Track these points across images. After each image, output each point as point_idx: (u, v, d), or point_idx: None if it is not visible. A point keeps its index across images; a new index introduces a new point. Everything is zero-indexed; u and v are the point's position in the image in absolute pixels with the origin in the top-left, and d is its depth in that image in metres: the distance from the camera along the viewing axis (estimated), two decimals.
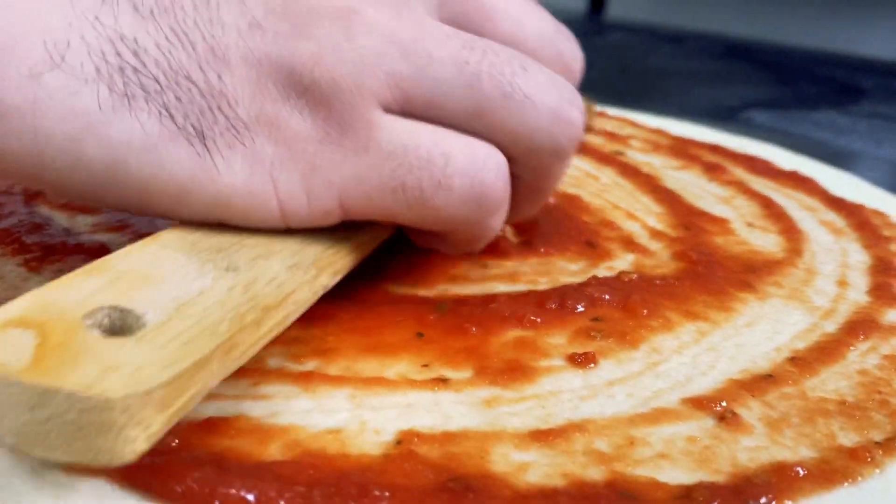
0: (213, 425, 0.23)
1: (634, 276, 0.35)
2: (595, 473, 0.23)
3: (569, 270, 0.36)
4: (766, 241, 0.42)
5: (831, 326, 0.33)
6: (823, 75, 0.95)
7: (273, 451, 0.23)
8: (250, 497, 0.20)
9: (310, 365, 0.27)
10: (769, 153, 0.57)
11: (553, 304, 0.32)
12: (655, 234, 0.41)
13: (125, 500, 0.21)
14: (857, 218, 0.46)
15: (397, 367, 0.28)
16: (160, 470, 0.21)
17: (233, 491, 0.20)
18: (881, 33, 1.18)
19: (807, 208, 0.47)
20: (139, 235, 0.35)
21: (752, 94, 0.83)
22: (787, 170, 0.53)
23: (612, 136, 0.59)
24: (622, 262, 0.38)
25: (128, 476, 0.21)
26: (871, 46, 1.14)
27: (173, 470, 0.21)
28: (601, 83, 0.88)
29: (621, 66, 0.94)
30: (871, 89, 0.88)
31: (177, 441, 0.22)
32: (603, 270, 0.36)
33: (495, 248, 0.37)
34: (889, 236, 0.43)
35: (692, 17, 1.28)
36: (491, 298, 0.32)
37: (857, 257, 0.40)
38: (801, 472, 0.24)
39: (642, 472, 0.23)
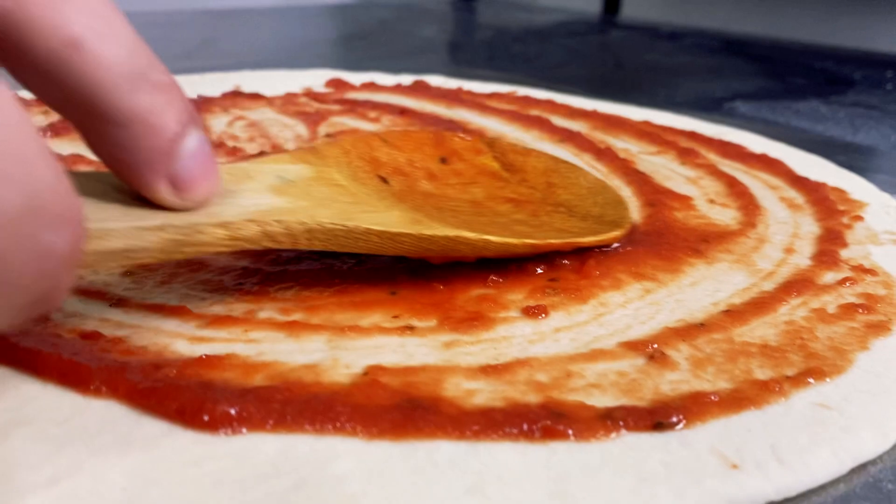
0: (206, 361, 0.27)
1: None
2: (532, 398, 0.27)
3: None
4: (724, 216, 0.45)
5: (769, 286, 0.36)
6: (815, 68, 0.98)
7: (256, 381, 0.27)
8: (232, 411, 0.24)
9: (295, 316, 0.31)
10: (744, 139, 0.60)
11: (515, 267, 0.36)
12: None
13: (130, 416, 0.25)
14: (817, 195, 0.49)
15: (371, 318, 0.31)
16: (159, 392, 0.25)
17: (218, 406, 0.24)
18: (880, 26, 1.20)
19: (770, 187, 0.51)
20: None
21: (741, 86, 0.86)
22: (757, 153, 0.56)
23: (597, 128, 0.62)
24: None
25: (133, 398, 0.25)
26: (870, 39, 1.16)
27: (170, 392, 0.25)
28: (595, 78, 0.92)
29: (616, 62, 0.98)
30: (860, 80, 0.91)
31: (175, 371, 0.26)
32: None
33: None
34: (844, 210, 0.47)
35: (706, 16, 1.31)
36: (460, 263, 0.36)
37: (809, 229, 0.44)
38: (714, 399, 0.27)
39: (574, 397, 0.27)
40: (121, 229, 0.25)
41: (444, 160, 0.41)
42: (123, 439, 0.24)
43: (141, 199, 0.26)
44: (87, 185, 0.26)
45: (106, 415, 0.25)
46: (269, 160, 0.33)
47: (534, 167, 0.43)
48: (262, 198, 0.30)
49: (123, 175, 0.26)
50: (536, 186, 0.42)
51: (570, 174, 0.43)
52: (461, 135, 0.43)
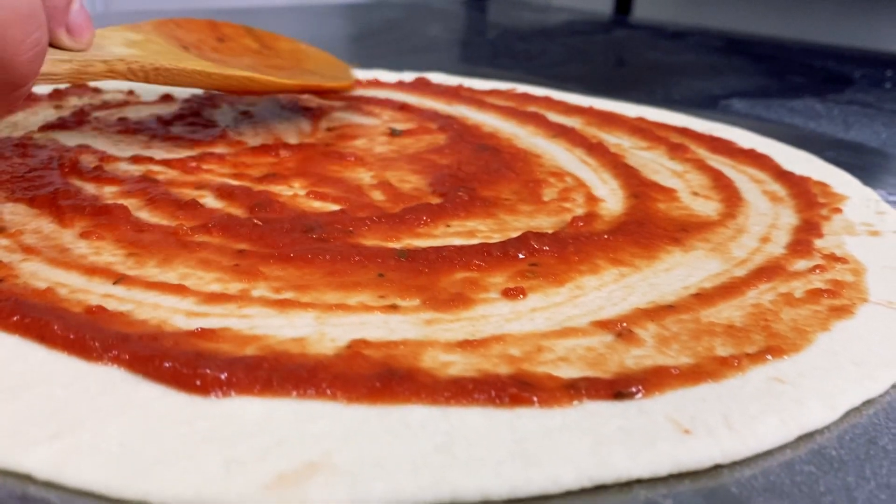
0: (201, 334, 0.29)
1: (574, 230, 0.40)
2: (503, 370, 0.28)
3: (521, 229, 0.42)
4: (706, 207, 0.47)
5: (741, 272, 0.38)
6: (815, 66, 0.99)
7: (247, 351, 0.29)
8: (222, 376, 0.26)
9: (286, 295, 0.33)
10: (734, 135, 0.62)
11: (497, 253, 0.38)
12: (606, 201, 0.47)
13: (129, 381, 0.27)
14: (799, 188, 0.50)
15: (358, 298, 0.33)
16: (156, 359, 0.27)
17: (208, 371, 0.26)
18: (882, 25, 1.21)
19: (755, 181, 0.52)
20: (153, 200, 0.42)
21: (739, 84, 0.88)
22: (745, 148, 0.58)
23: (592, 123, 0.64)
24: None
25: (132, 364, 0.27)
26: (872, 38, 1.17)
27: (166, 359, 0.27)
28: (595, 76, 0.94)
29: (618, 60, 0.99)
30: (859, 79, 0.92)
31: (172, 342, 0.28)
32: (549, 229, 0.42)
33: (458, 211, 0.43)
34: (824, 203, 0.48)
35: (716, 16, 1.32)
36: (445, 248, 0.38)
37: (788, 220, 0.45)
38: (674, 372, 0.29)
39: (542, 369, 0.29)
40: (47, 58, 0.37)
41: (220, 40, 0.56)
42: (122, 401, 0.26)
43: (53, 47, 0.39)
44: None
45: (107, 379, 0.27)
46: (111, 29, 0.46)
47: (284, 47, 0.61)
48: (121, 49, 0.44)
49: None
50: (289, 59, 0.60)
51: (311, 52, 0.63)
52: (228, 23, 0.59)
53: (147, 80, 0.45)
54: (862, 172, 0.55)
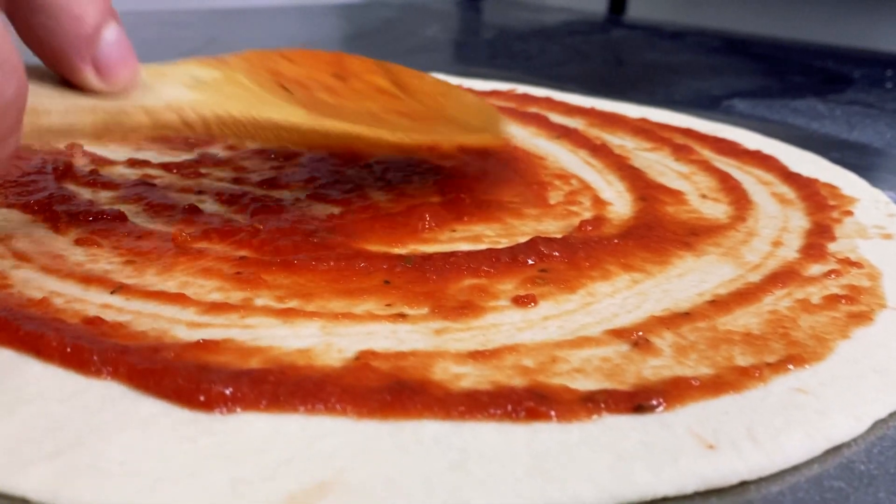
0: (203, 346, 0.28)
1: (583, 236, 0.39)
2: (518, 382, 0.28)
3: (528, 234, 0.41)
4: (715, 210, 0.46)
5: (755, 277, 0.37)
6: (815, 66, 0.99)
7: (251, 364, 0.28)
8: (227, 392, 0.25)
9: (290, 304, 0.32)
10: (739, 136, 0.61)
11: (506, 258, 0.37)
12: (613, 204, 0.46)
13: (129, 396, 0.26)
14: (808, 190, 0.50)
15: (364, 306, 0.32)
16: (158, 373, 0.26)
17: (212, 386, 0.25)
18: (881, 25, 1.21)
19: (763, 183, 0.51)
20: (150, 205, 0.41)
21: (740, 84, 0.87)
22: (751, 149, 0.57)
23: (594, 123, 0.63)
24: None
25: (132, 378, 0.26)
26: (871, 38, 1.16)
27: (168, 373, 0.26)
28: (595, 76, 0.93)
29: (617, 60, 0.98)
30: (860, 79, 0.91)
31: (173, 355, 0.27)
32: (558, 234, 0.41)
33: (462, 215, 0.42)
34: (834, 205, 0.47)
35: (711, 15, 1.31)
36: (452, 254, 0.37)
37: (798, 223, 0.45)
38: (694, 383, 0.28)
39: (558, 381, 0.28)
40: (58, 108, 0.30)
41: (340, 77, 0.44)
42: (122, 417, 0.25)
43: (76, 89, 0.31)
44: (30, 74, 0.28)
45: (106, 394, 0.26)
46: (180, 63, 0.36)
47: (425, 89, 0.47)
48: (178, 91, 0.34)
49: (54, 62, 0.30)
50: (428, 104, 0.46)
51: (459, 95, 0.49)
52: (357, 56, 0.47)
53: (210, 132, 0.35)
54: (868, 173, 0.54)
